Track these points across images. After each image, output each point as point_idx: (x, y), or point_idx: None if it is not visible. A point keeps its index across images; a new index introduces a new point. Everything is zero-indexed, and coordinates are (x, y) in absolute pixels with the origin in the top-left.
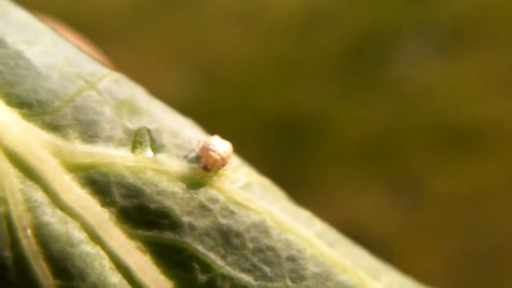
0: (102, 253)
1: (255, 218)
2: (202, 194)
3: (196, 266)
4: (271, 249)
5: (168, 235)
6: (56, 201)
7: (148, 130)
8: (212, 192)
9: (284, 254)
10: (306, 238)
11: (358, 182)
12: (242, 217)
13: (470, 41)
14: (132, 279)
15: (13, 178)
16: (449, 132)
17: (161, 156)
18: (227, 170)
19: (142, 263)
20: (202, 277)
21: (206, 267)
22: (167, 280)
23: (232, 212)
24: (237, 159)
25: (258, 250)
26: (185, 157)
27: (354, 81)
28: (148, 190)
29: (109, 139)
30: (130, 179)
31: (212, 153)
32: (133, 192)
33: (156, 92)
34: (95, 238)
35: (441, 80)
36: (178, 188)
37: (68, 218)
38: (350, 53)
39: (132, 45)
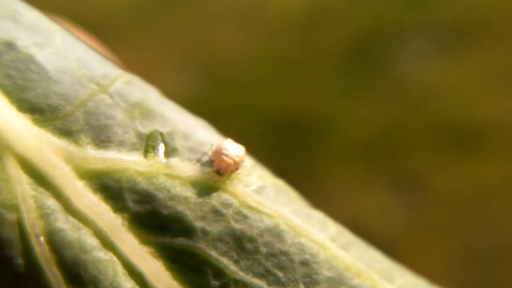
0: (115, 259)
1: (268, 222)
2: (215, 199)
3: (209, 271)
4: (285, 253)
5: (181, 241)
6: (69, 208)
7: (161, 134)
8: (225, 197)
9: (297, 258)
10: (320, 242)
11: (361, 181)
12: (256, 221)
13: (472, 40)
14: (145, 284)
15: (25, 185)
16: (451, 131)
17: (173, 161)
18: (240, 174)
19: (155, 269)
20: (215, 282)
21: (219, 272)
22: (180, 286)
23: (245, 217)
24: (251, 161)
25: (272, 255)
26: (198, 160)
27: (357, 80)
28: (160, 195)
29: (121, 144)
30: (143, 184)
31: (225, 157)
32: (145, 197)
33: None
34: (107, 244)
35: (443, 79)
36: (190, 193)
37: (81, 225)
38: (352, 52)
39: (134, 44)
